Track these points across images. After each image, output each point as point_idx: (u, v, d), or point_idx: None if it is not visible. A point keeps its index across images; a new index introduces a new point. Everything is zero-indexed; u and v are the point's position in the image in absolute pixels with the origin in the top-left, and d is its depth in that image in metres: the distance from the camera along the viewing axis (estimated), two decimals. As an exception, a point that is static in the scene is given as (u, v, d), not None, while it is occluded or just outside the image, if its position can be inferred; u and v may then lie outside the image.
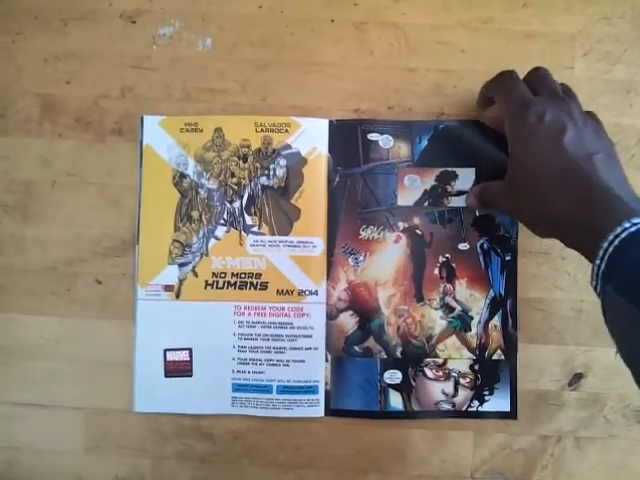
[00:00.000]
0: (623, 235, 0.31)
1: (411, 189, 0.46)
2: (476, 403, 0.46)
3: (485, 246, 0.46)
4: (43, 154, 0.47)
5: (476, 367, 0.46)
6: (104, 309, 0.47)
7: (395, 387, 0.46)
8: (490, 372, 0.46)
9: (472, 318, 0.46)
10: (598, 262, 0.32)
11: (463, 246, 0.46)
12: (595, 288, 0.33)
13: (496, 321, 0.46)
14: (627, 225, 0.31)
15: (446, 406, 0.46)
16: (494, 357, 0.46)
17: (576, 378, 0.46)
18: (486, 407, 0.46)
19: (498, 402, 0.46)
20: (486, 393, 0.46)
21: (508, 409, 0.46)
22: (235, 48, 0.47)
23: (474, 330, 0.46)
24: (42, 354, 0.47)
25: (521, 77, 0.41)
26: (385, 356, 0.46)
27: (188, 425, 0.46)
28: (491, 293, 0.46)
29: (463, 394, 0.46)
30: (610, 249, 0.31)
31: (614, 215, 0.32)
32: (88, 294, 0.47)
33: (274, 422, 0.46)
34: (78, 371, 0.47)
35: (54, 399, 0.47)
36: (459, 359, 0.46)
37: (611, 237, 0.31)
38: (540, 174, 0.37)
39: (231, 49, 0.47)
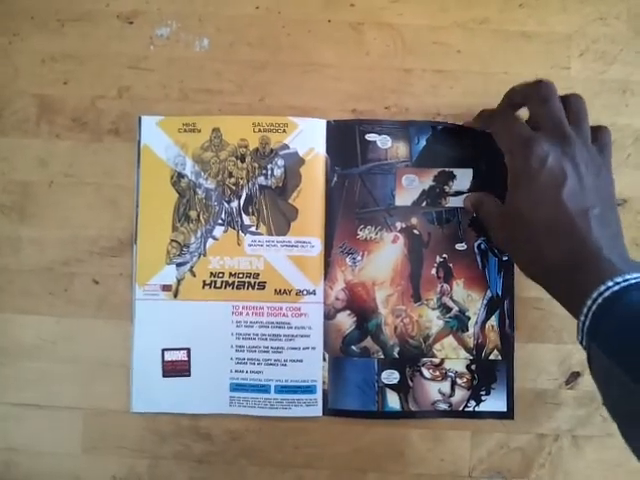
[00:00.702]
0: (607, 294, 0.32)
1: (409, 189, 0.46)
2: (473, 403, 0.46)
3: (482, 246, 0.46)
4: (40, 154, 0.47)
5: (473, 367, 0.46)
6: (101, 309, 0.47)
7: (392, 387, 0.46)
8: (487, 372, 0.46)
9: (469, 318, 0.46)
10: (582, 319, 0.33)
11: (460, 246, 0.46)
12: (581, 343, 0.34)
13: (493, 321, 0.46)
14: (610, 284, 0.32)
15: (443, 406, 0.46)
16: (491, 357, 0.46)
17: (573, 377, 0.46)
18: (483, 407, 0.46)
19: (495, 402, 0.46)
20: (483, 393, 0.46)
21: (505, 409, 0.46)
22: (232, 49, 0.47)
23: (471, 330, 0.46)
24: (39, 354, 0.47)
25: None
26: (382, 356, 0.46)
27: (186, 425, 0.46)
28: (488, 293, 0.46)
29: (460, 394, 0.46)
30: (594, 307, 0.32)
31: (600, 274, 0.33)
32: (85, 294, 0.47)
33: (272, 422, 0.46)
34: (75, 371, 0.46)
35: (51, 399, 0.47)
36: (456, 359, 0.46)
37: (595, 295, 0.32)
38: (534, 223, 0.37)
39: (228, 50, 0.47)
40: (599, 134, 0.40)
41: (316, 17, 0.47)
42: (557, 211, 0.36)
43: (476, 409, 0.46)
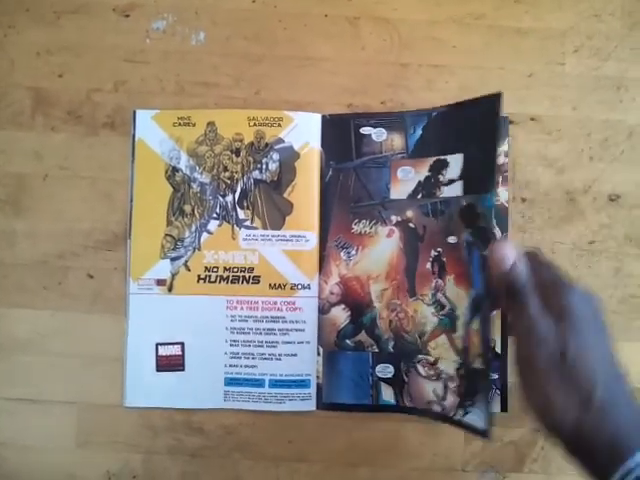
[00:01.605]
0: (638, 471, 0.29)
1: (404, 181, 0.46)
2: (461, 412, 0.42)
3: (469, 239, 0.42)
4: (35, 147, 0.47)
5: (461, 372, 0.42)
6: (96, 303, 0.46)
7: (387, 381, 0.46)
8: (470, 381, 0.41)
9: (458, 318, 0.42)
10: None
11: (452, 239, 0.43)
12: None
13: (476, 324, 0.41)
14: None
15: (437, 408, 0.44)
16: (475, 365, 0.41)
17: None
18: (467, 419, 0.41)
19: (473, 417, 0.40)
20: (468, 404, 0.41)
21: (483, 427, 0.39)
22: (228, 42, 0.47)
23: (459, 332, 0.42)
24: (33, 348, 0.46)
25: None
26: (377, 350, 0.46)
27: (180, 420, 0.46)
28: (472, 292, 0.41)
29: (451, 399, 0.43)
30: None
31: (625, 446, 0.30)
32: (80, 288, 0.47)
33: (266, 416, 0.46)
34: (69, 365, 0.46)
35: (45, 394, 0.46)
36: (447, 360, 0.43)
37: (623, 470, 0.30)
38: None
39: (224, 43, 0.47)
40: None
41: (312, 11, 0.47)
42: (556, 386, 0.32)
43: (462, 419, 0.41)
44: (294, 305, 0.46)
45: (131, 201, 0.46)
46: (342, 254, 0.46)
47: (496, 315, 0.44)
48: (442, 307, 0.44)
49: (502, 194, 0.47)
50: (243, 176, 0.47)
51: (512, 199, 0.47)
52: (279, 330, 0.46)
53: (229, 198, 0.47)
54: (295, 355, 0.46)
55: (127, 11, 0.47)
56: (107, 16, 0.47)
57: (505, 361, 0.46)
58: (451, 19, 0.47)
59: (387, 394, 0.46)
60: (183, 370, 0.46)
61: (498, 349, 0.46)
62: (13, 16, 0.47)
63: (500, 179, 0.46)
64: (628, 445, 0.31)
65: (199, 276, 0.46)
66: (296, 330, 0.46)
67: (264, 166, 0.47)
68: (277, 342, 0.46)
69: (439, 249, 0.45)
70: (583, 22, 0.47)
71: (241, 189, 0.47)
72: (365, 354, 0.46)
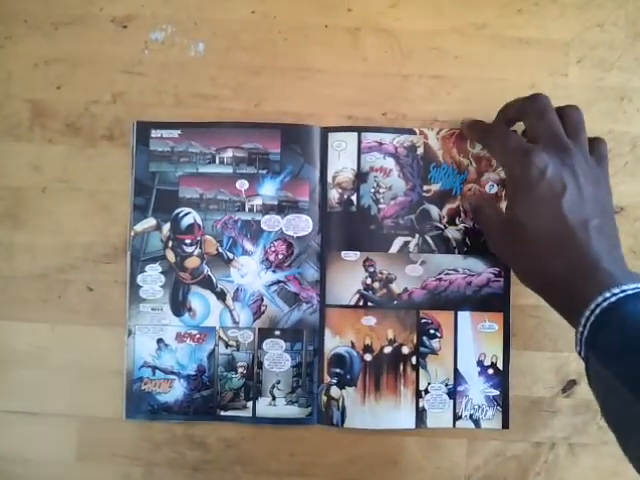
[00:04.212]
0: (604, 305, 0.32)
1: None
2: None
3: None
4: (33, 160, 0.46)
5: None
6: (95, 316, 0.46)
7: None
8: None
9: None
10: (581, 329, 0.34)
11: None
12: (579, 353, 0.35)
13: None
14: (608, 295, 0.32)
15: None
16: None
17: (570, 385, 0.46)
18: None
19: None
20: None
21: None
22: (228, 53, 0.46)
23: None
24: (32, 361, 0.46)
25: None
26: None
27: (180, 433, 0.46)
28: None
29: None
30: (592, 317, 0.33)
31: (598, 285, 0.33)
32: (79, 301, 0.46)
33: (267, 430, 0.46)
34: (69, 379, 0.46)
35: (45, 407, 0.46)
36: None
37: (592, 306, 0.33)
38: (534, 233, 0.37)
39: (223, 54, 0.46)
40: (596, 145, 0.39)
41: (312, 22, 0.46)
42: (557, 222, 0.36)
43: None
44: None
45: (131, 213, 0.46)
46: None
47: (497, 329, 0.44)
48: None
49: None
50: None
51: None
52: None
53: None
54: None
55: (125, 22, 0.46)
56: (105, 27, 0.46)
57: (506, 377, 0.45)
58: (453, 30, 0.46)
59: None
60: (184, 384, 0.46)
61: (500, 365, 0.46)
62: (10, 27, 0.46)
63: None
64: (610, 279, 0.33)
65: (199, 289, 0.46)
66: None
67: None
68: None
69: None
70: (586, 32, 0.46)
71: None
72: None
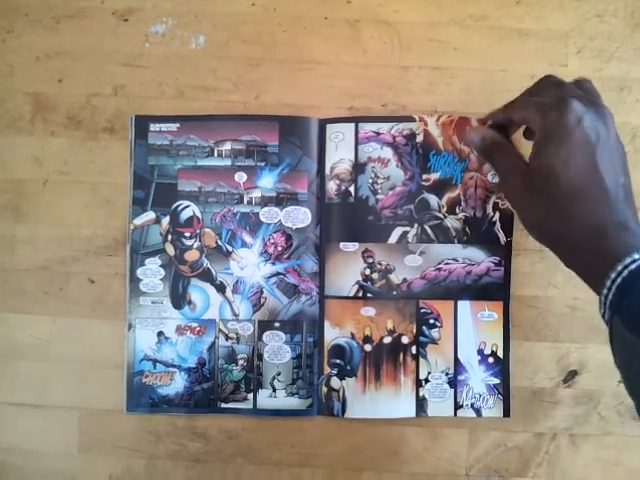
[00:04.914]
0: (632, 267, 0.31)
1: None
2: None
3: None
4: (34, 153, 0.47)
5: None
6: (97, 308, 0.46)
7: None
8: None
9: None
10: (605, 292, 0.32)
11: None
12: (603, 316, 0.33)
13: None
14: (637, 257, 0.31)
15: None
16: None
17: (570, 375, 0.46)
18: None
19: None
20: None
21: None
22: (228, 46, 0.47)
23: None
24: (34, 354, 0.46)
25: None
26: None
27: (182, 425, 0.46)
28: None
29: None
30: (618, 280, 0.31)
31: (627, 246, 0.32)
32: (81, 293, 0.46)
33: (268, 421, 0.46)
34: (71, 371, 0.46)
35: (47, 399, 0.46)
36: None
37: (620, 268, 0.31)
38: (565, 184, 0.35)
39: (224, 47, 0.47)
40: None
41: (312, 14, 0.47)
42: (590, 172, 0.35)
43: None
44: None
45: (132, 206, 0.46)
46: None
47: (497, 318, 0.44)
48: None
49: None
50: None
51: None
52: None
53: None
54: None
55: (126, 15, 0.47)
56: (106, 20, 0.47)
57: (507, 366, 0.46)
58: (452, 21, 0.46)
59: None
60: (185, 375, 0.46)
61: (500, 354, 0.46)
62: (11, 21, 0.47)
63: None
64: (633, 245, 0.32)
65: (200, 281, 0.46)
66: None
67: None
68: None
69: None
70: (585, 23, 0.46)
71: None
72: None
